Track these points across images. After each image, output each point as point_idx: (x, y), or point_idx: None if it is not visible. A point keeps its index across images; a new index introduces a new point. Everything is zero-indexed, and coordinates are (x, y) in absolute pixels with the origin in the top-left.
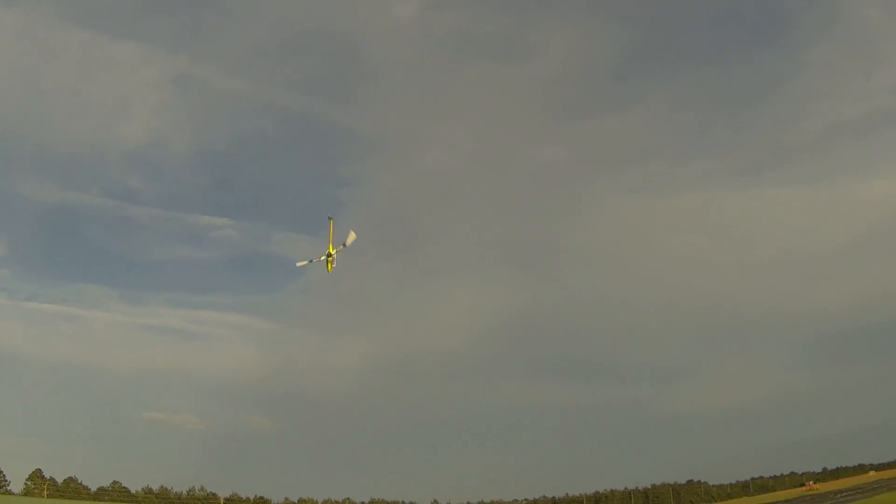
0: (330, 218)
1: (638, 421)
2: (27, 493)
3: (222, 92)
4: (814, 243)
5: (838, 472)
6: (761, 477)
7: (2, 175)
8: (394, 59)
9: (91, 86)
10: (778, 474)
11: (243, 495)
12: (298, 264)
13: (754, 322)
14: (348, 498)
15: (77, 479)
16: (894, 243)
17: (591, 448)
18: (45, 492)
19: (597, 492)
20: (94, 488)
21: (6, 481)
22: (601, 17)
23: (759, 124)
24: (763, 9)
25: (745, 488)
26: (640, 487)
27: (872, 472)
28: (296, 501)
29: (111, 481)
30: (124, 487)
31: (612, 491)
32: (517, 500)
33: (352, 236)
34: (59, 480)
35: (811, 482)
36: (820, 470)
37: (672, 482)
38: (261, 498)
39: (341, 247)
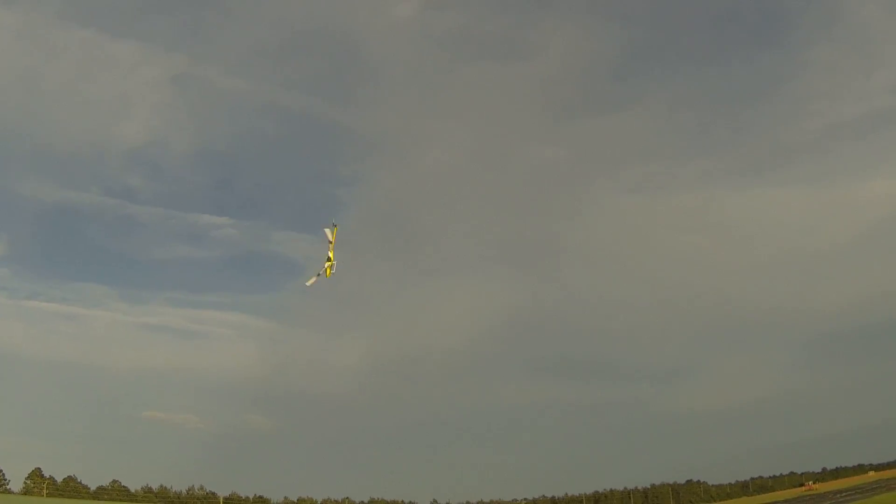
0: (335, 225)
1: (637, 421)
2: (26, 491)
3: (222, 91)
4: (814, 243)
5: (838, 472)
6: (761, 477)
7: (1, 174)
8: (394, 58)
9: (91, 85)
10: (777, 474)
11: (243, 494)
12: (308, 283)
13: (754, 322)
14: (348, 497)
15: (76, 478)
16: (894, 243)
17: (590, 448)
18: (45, 491)
19: (596, 491)
20: (93, 487)
21: (5, 480)
22: (601, 17)
23: (759, 124)
24: (763, 9)
25: (744, 488)
26: (639, 487)
27: (872, 473)
28: (295, 501)
29: (111, 480)
30: (124, 486)
31: (611, 491)
32: (516, 500)
33: (331, 233)
34: (59, 479)
35: (810, 482)
36: (819, 470)
37: (671, 482)
38: (260, 497)
39: (332, 242)
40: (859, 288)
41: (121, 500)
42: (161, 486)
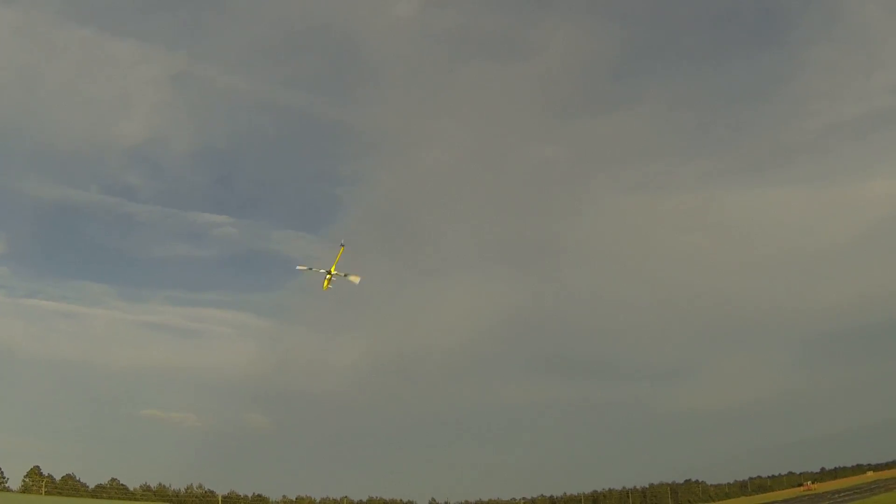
0: (342, 245)
1: (636, 420)
2: (25, 490)
3: (222, 90)
4: (813, 242)
5: (836, 473)
6: (759, 477)
7: (1, 172)
8: (393, 57)
9: (91, 83)
10: (776, 474)
11: (241, 493)
12: (299, 267)
13: (754, 321)
14: (346, 496)
15: (75, 477)
16: (894, 243)
17: (589, 447)
18: (44, 489)
19: (595, 491)
20: (92, 486)
21: (4, 478)
22: (601, 16)
23: (758, 124)
24: (763, 8)
25: (743, 488)
26: (637, 487)
27: (871, 473)
28: (294, 500)
29: (109, 479)
30: (122, 485)
31: (609, 490)
32: (515, 500)
33: (355, 279)
34: (58, 478)
35: (809, 482)
36: (818, 470)
37: (670, 482)
38: (259, 496)
39: (342, 275)
40: (859, 288)
41: (119, 499)
42: (160, 484)
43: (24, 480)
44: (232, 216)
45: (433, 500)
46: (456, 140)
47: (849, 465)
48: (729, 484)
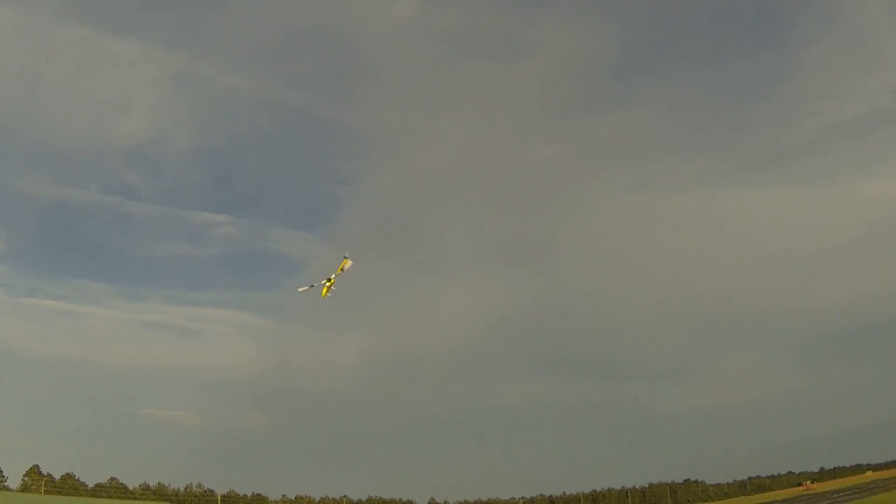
0: (346, 257)
1: (636, 419)
2: (24, 489)
3: (221, 89)
4: (813, 242)
5: (836, 472)
6: (758, 476)
7: (1, 171)
8: (393, 56)
9: (90, 82)
10: (775, 474)
11: (240, 492)
12: (300, 289)
13: (753, 321)
14: (346, 495)
15: (74, 476)
16: (894, 242)
17: (588, 446)
18: (43, 488)
19: (594, 490)
20: (91, 484)
21: (3, 477)
22: (600, 16)
23: (758, 123)
24: (762, 8)
25: (742, 488)
26: (637, 486)
27: (870, 472)
28: (293, 499)
29: (109, 478)
30: (121, 484)
31: (609, 490)
32: (514, 499)
33: (347, 263)
34: (57, 476)
35: (808, 482)
36: (817, 470)
37: (669, 481)
38: (258, 495)
39: (339, 271)
40: (858, 287)
41: (119, 498)
42: (159, 483)
43: (23, 479)
44: (231, 215)
45: (432, 499)
46: (456, 140)
47: (848, 464)
48: (728, 483)
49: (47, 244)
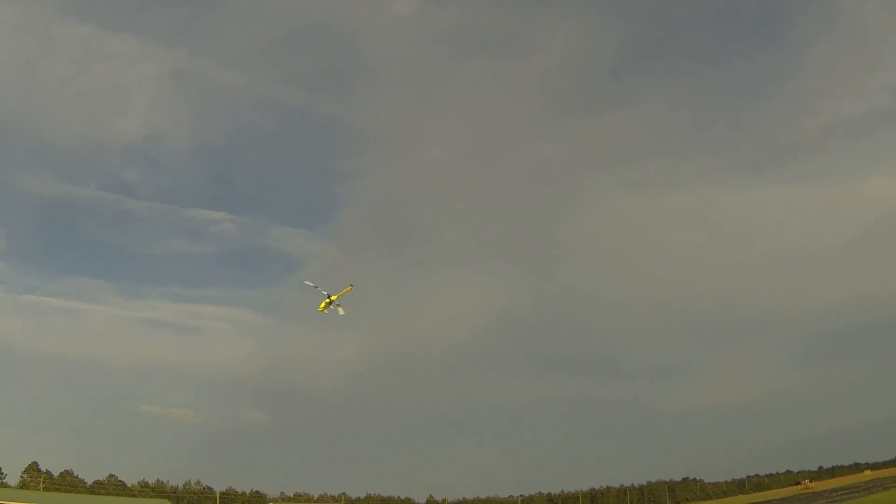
0: (351, 285)
1: (635, 418)
2: (23, 485)
3: (221, 86)
4: (812, 241)
5: (834, 471)
6: (757, 475)
7: (0, 168)
8: (393, 54)
9: (89, 79)
10: (773, 472)
11: (239, 489)
12: (307, 282)
13: (752, 320)
14: (344, 493)
15: (73, 473)
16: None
17: (587, 445)
18: (41, 485)
19: (592, 489)
20: (90, 481)
21: (2, 474)
22: (600, 14)
23: (757, 122)
24: (762, 7)
25: (740, 486)
26: (635, 485)
27: (868, 472)
28: (291, 496)
29: (107, 475)
30: (120, 481)
31: (607, 488)
32: (513, 497)
33: (342, 311)
34: (56, 474)
35: (807, 481)
36: (816, 469)
37: (668, 480)
38: (257, 492)
39: (336, 303)
40: (857, 286)
41: (117, 495)
42: (158, 480)
43: (22, 476)
44: (230, 213)
45: (431, 497)
46: (455, 138)
47: (846, 463)
48: (727, 482)
49: (47, 241)
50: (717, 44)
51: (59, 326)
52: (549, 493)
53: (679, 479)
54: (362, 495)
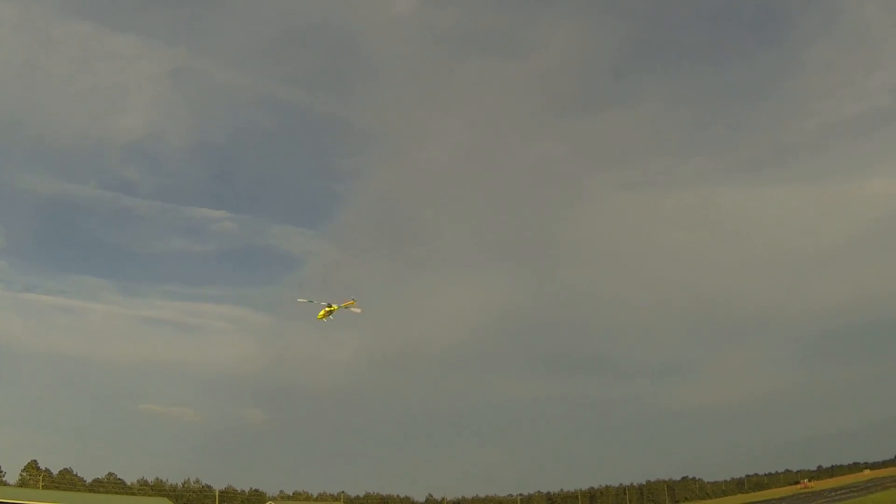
0: (354, 299)
1: (634, 417)
2: (22, 484)
3: (220, 85)
4: (812, 241)
5: (833, 471)
6: (756, 474)
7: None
8: (392, 54)
9: (89, 78)
10: (773, 472)
11: (238, 488)
12: (300, 300)
13: (752, 319)
14: (343, 492)
15: (72, 471)
16: (893, 241)
17: (586, 444)
18: (41, 483)
19: (591, 488)
20: (89, 480)
21: (2, 472)
22: (600, 14)
23: (757, 122)
24: (762, 7)
25: (739, 485)
26: (634, 484)
27: (867, 471)
28: (291, 495)
29: (106, 473)
30: (119, 479)
31: (606, 487)
32: (512, 496)
33: (357, 310)
34: (55, 472)
35: (806, 480)
36: (815, 468)
37: (667, 479)
38: (256, 491)
39: (343, 307)
40: (857, 286)
41: (117, 493)
42: (157, 479)
43: (21, 474)
44: (230, 211)
45: (430, 496)
46: (455, 137)
47: (845, 463)
48: (726, 481)
49: (46, 240)
50: (717, 44)
51: (59, 325)
52: (549, 493)
53: (678, 478)
54: (361, 494)
